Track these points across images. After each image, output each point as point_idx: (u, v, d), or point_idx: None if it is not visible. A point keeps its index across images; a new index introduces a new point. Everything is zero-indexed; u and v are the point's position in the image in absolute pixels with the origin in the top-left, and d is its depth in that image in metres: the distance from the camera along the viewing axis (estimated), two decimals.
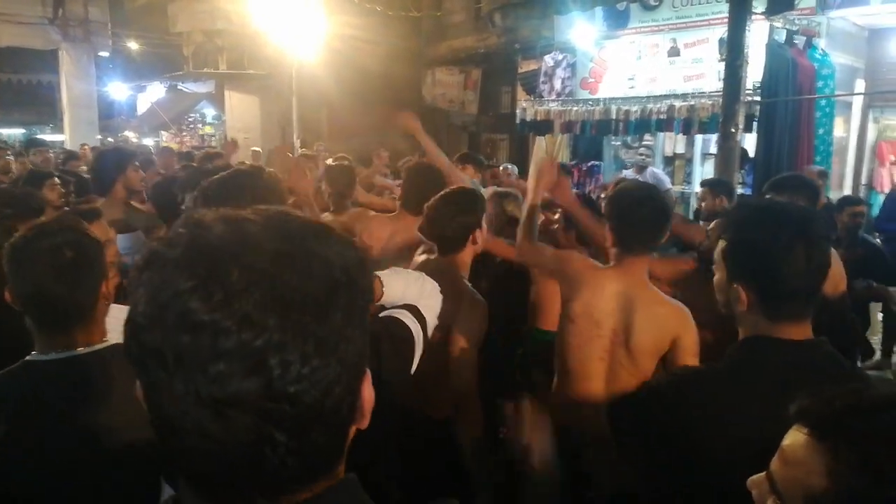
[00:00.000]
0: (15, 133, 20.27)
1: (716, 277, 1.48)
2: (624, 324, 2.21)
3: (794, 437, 0.92)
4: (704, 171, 8.44)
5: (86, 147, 10.73)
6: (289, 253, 0.61)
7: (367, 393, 0.68)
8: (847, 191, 8.22)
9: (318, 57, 10.06)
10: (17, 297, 1.50)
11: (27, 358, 1.49)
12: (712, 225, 2.77)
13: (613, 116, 8.06)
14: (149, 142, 18.21)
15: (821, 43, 6.94)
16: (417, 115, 3.69)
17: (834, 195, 7.75)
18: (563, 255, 2.51)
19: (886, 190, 7.64)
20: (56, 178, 4.03)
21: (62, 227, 1.54)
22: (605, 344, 2.25)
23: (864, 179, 8.31)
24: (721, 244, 1.44)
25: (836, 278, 2.87)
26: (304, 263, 0.61)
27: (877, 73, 7.87)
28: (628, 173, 7.86)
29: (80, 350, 1.48)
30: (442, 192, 2.45)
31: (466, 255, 2.38)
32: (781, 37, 6.62)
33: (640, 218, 2.18)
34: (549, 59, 9.27)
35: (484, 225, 2.42)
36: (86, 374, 1.47)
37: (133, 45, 16.75)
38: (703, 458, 1.36)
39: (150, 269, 0.60)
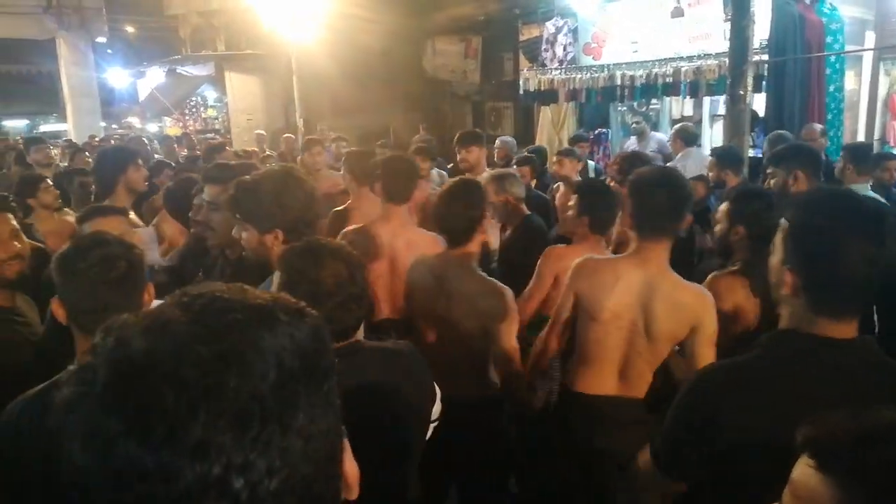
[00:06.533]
0: (18, 125, 20.31)
1: (771, 259, 1.43)
2: (644, 313, 2.20)
3: (802, 470, 0.93)
4: (713, 133, 8.31)
5: (94, 139, 10.69)
6: (228, 352, 0.52)
7: (350, 467, 0.63)
8: None
9: (317, 36, 9.92)
10: (69, 307, 1.50)
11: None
12: (721, 209, 2.72)
13: (618, 82, 7.92)
14: (153, 127, 18.19)
15: None
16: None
17: None
18: (567, 272, 2.43)
19: None
20: (48, 181, 4.01)
21: (110, 239, 1.56)
22: (624, 334, 2.25)
23: (876, 134, 8.14)
24: (783, 226, 1.39)
25: None
26: (248, 361, 0.52)
27: (886, 25, 7.66)
28: (631, 141, 7.76)
29: None
30: (447, 188, 2.56)
31: (475, 246, 2.49)
32: None
33: (658, 203, 2.17)
34: (550, 26, 9.09)
35: (488, 214, 2.53)
36: None
37: (130, 30, 16.62)
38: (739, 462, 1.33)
39: (77, 411, 0.51)
